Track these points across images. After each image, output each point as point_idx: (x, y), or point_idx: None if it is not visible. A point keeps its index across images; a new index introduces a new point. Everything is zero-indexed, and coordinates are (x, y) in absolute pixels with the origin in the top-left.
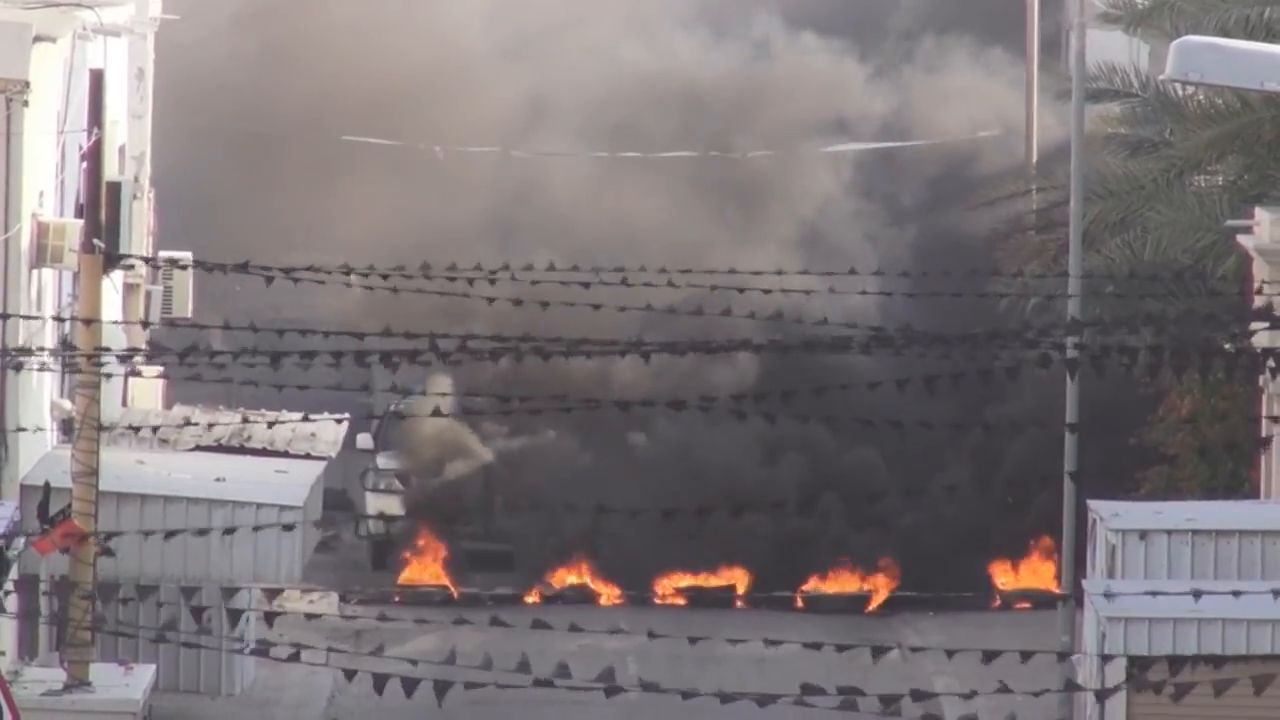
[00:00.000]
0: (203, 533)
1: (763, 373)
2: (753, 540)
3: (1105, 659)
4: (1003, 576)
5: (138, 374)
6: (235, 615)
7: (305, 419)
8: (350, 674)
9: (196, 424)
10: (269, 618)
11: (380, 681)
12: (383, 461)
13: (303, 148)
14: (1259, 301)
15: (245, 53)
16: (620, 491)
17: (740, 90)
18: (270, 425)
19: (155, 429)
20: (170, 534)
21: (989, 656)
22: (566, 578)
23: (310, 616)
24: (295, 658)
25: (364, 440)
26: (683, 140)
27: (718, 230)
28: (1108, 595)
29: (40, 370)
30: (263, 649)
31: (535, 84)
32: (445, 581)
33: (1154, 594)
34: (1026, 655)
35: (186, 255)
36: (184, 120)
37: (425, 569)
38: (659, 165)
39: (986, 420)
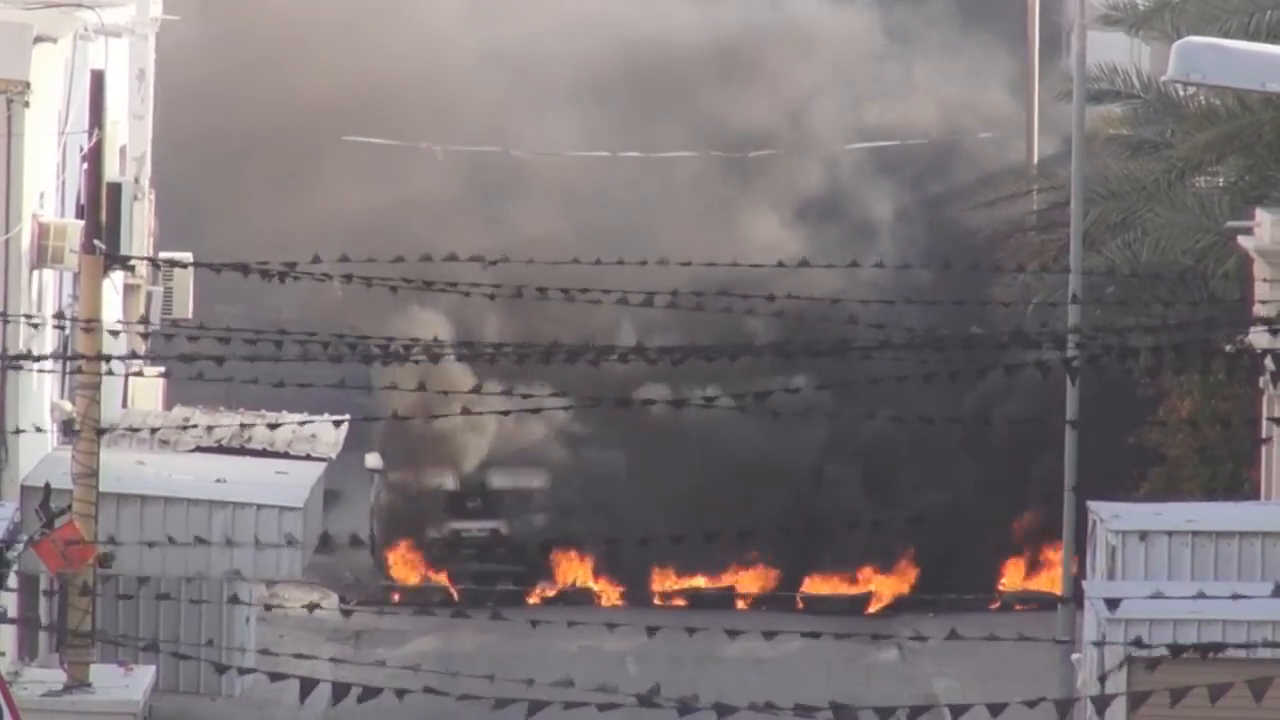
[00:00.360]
0: (202, 541)
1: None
2: (769, 530)
3: (1104, 646)
4: (1009, 575)
5: (139, 374)
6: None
7: (304, 424)
8: (342, 693)
9: (196, 425)
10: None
11: (369, 695)
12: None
13: (299, 150)
14: (1260, 308)
15: (234, 54)
16: (633, 470)
17: (742, 53)
18: (272, 427)
19: (154, 430)
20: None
21: (990, 638)
22: (571, 575)
23: (311, 607)
24: (282, 676)
25: (373, 460)
26: (680, 102)
27: (721, 202)
28: (1110, 602)
29: (39, 372)
30: (252, 669)
31: (526, 55)
32: (445, 581)
33: (1156, 595)
34: (1025, 638)
35: (187, 256)
36: (180, 121)
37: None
38: (659, 130)
39: (988, 408)
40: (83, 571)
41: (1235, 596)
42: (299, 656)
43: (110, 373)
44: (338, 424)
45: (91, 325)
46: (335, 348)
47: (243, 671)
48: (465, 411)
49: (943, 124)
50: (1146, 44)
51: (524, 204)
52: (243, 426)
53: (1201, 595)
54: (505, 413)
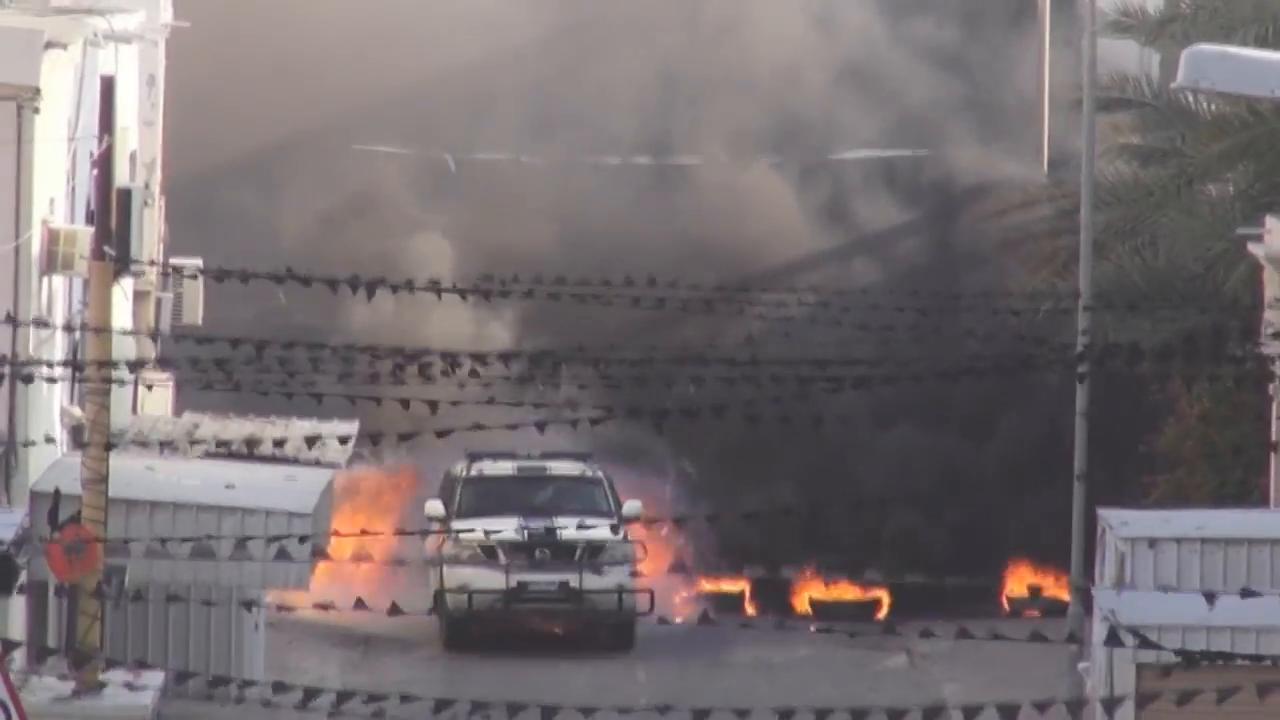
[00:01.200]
0: (212, 538)
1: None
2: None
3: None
4: (1015, 581)
5: (149, 387)
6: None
7: (310, 434)
8: (344, 698)
9: (204, 442)
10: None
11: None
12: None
13: (309, 156)
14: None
15: (243, 60)
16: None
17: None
18: (277, 444)
19: (163, 426)
20: (186, 540)
21: (996, 637)
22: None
23: (321, 606)
24: (285, 688)
25: (433, 507)
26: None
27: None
28: (1119, 593)
29: (49, 381)
30: (252, 681)
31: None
32: None
33: (1166, 590)
34: (1036, 638)
35: (196, 262)
36: (191, 126)
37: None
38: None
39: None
40: (90, 577)
41: (1244, 594)
42: (306, 691)
43: (120, 381)
44: (343, 441)
45: (102, 329)
46: (346, 358)
47: (244, 684)
48: (479, 425)
49: (948, 129)
50: (1157, 51)
51: (519, 204)
52: (251, 443)
53: (1209, 595)
54: (513, 426)
